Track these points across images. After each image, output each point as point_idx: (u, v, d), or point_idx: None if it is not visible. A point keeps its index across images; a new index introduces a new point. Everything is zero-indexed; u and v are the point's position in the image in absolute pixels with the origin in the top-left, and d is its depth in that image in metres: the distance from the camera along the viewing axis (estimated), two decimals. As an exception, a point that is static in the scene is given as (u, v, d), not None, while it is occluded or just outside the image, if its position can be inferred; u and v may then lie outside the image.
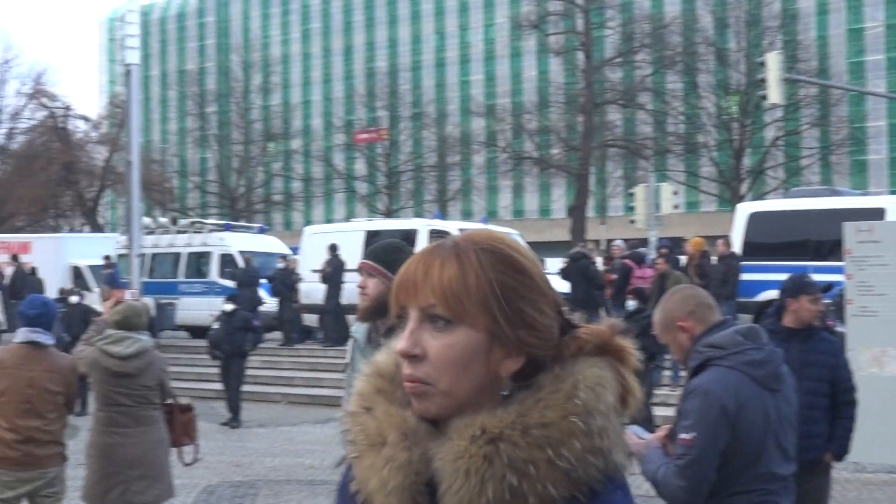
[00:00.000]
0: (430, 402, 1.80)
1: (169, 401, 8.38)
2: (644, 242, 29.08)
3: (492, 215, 62.55)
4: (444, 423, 1.80)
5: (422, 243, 24.78)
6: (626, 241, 25.55)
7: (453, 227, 25.92)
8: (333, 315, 25.43)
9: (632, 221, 33.49)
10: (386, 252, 5.16)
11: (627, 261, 21.64)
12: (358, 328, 5.32)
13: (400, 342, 1.82)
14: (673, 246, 21.42)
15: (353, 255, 25.38)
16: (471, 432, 1.74)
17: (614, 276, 21.34)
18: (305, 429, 18.46)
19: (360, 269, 5.21)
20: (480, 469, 1.71)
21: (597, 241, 42.74)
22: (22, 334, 7.52)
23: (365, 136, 68.39)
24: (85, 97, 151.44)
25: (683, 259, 21.41)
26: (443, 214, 39.77)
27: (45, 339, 7.51)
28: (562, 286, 20.78)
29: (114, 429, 7.99)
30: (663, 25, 54.19)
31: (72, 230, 74.33)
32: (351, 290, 24.50)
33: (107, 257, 28.23)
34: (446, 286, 1.78)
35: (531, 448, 1.71)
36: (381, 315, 4.93)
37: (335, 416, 18.46)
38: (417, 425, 1.82)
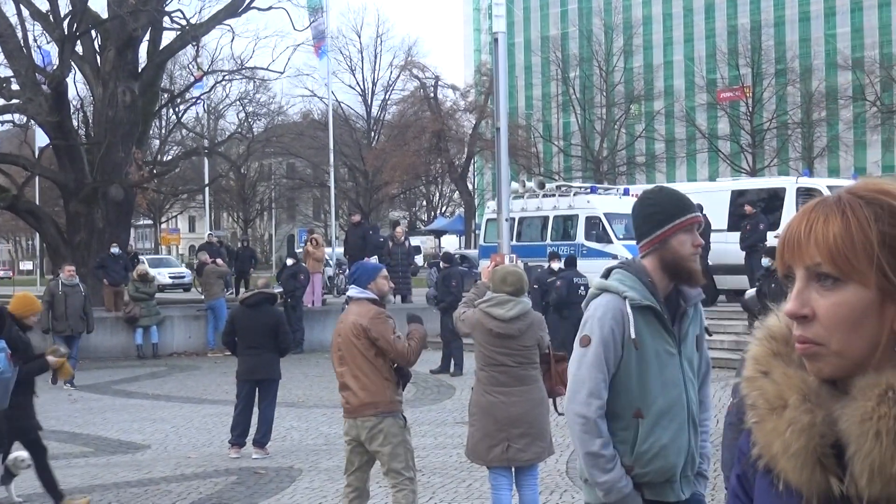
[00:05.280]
0: (822, 362, 1.74)
1: (546, 350, 8.54)
2: None
3: (860, 171, 60.29)
4: (845, 383, 1.74)
5: (790, 201, 24.33)
6: None
7: (822, 184, 25.24)
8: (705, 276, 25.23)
9: None
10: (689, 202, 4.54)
11: None
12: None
13: (788, 303, 1.77)
14: None
15: (719, 215, 25.22)
16: (877, 392, 1.67)
17: None
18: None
19: (693, 225, 4.46)
20: (892, 430, 1.63)
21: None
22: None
23: (728, 94, 67.29)
24: (452, 67, 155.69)
25: None
26: (810, 172, 38.67)
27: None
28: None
29: (496, 388, 8.23)
30: None
31: (441, 197, 77.25)
32: (717, 250, 24.41)
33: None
34: (831, 243, 1.71)
35: None
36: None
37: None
38: (819, 386, 1.76)
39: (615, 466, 4.28)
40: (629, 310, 4.33)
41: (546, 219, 30.70)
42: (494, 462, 8.30)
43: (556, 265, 21.73)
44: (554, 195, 31.15)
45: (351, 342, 8.04)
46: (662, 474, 4.39)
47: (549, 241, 30.26)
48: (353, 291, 8.27)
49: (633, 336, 4.31)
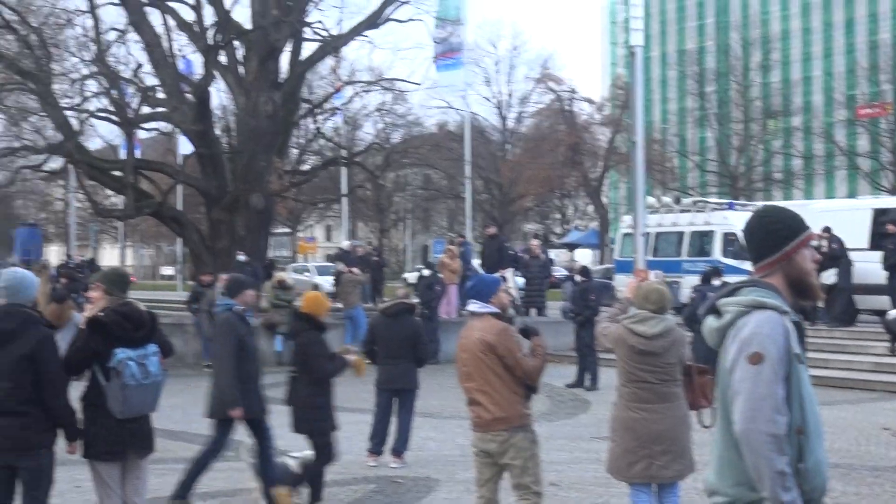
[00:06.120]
0: None
1: (688, 363, 8.50)
2: None
3: None
4: None
5: (934, 221, 23.80)
6: None
7: (969, 204, 24.69)
8: (845, 294, 24.68)
9: None
10: None
11: None
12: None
13: None
14: None
15: (859, 233, 24.77)
16: None
17: None
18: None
19: (811, 240, 4.49)
20: None
21: None
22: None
23: (868, 111, 65.88)
24: (588, 80, 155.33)
25: None
26: (955, 191, 37.69)
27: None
28: None
29: (638, 404, 8.28)
30: None
31: (575, 210, 76.94)
32: (858, 269, 24.01)
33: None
34: None
35: None
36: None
37: (840, 399, 18.22)
38: None
39: (794, 485, 4.18)
40: (790, 325, 4.26)
41: (681, 234, 30.51)
42: (636, 478, 8.31)
43: (716, 281, 21.01)
44: (690, 210, 30.95)
45: (478, 358, 7.95)
46: (821, 490, 4.31)
47: (684, 256, 30.06)
48: (475, 307, 8.13)
49: (796, 351, 4.24)
